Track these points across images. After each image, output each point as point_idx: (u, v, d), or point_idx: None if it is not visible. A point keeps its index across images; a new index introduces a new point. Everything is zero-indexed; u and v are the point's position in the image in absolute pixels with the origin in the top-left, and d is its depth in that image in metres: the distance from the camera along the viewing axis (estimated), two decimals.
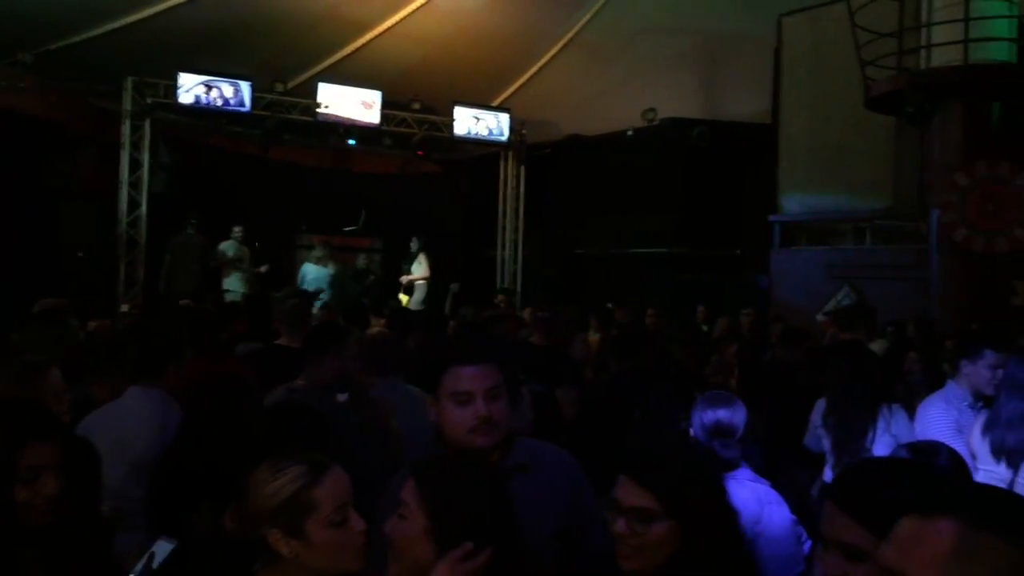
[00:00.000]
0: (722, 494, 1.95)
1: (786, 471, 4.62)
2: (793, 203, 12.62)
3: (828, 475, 4.23)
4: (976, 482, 1.43)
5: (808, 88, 12.53)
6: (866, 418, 4.25)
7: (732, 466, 2.96)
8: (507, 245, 16.65)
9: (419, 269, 13.89)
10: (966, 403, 4.06)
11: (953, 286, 9.64)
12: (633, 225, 14.34)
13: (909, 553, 1.15)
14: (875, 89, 10.27)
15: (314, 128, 14.68)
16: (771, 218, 12.67)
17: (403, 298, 13.73)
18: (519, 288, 16.25)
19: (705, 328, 9.25)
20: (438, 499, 1.86)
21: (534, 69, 15.69)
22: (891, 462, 2.20)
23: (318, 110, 14.03)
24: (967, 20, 9.39)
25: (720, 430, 3.02)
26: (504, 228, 16.68)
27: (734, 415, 3.04)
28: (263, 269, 12.72)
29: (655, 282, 13.43)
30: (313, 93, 14.12)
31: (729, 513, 1.93)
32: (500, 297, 11.85)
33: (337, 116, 14.29)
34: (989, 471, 3.66)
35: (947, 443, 3.87)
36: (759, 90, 13.51)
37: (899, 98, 9.84)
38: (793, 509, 3.07)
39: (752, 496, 2.66)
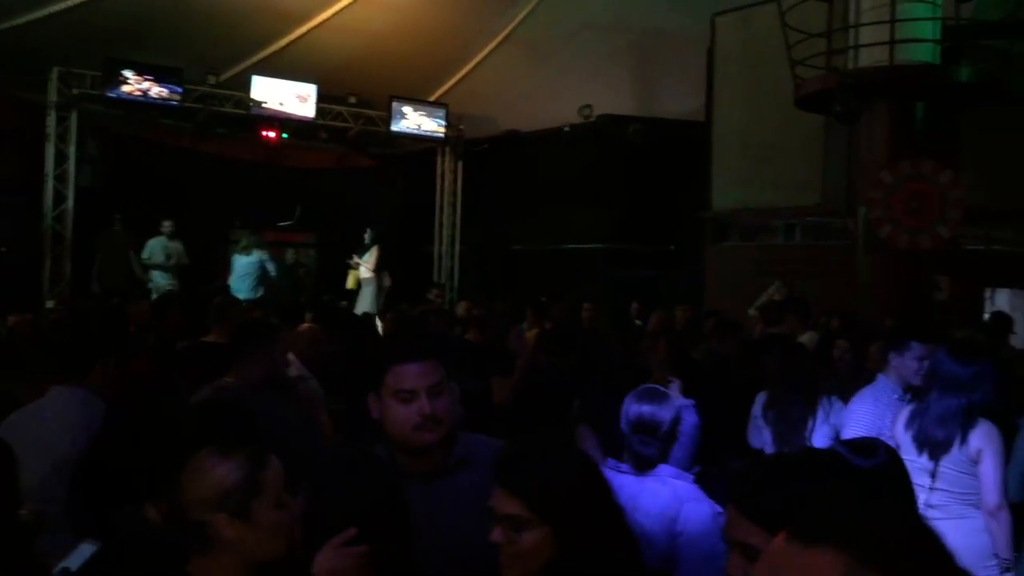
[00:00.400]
0: (599, 496, 1.89)
1: (722, 465, 4.69)
2: (726, 199, 12.81)
3: None
4: (869, 501, 1.36)
5: (740, 86, 12.72)
6: (805, 410, 4.36)
7: (651, 463, 2.95)
8: (444, 240, 16.62)
9: (370, 260, 13.79)
10: (895, 395, 4.16)
11: (879, 282, 9.89)
12: (570, 221, 14.43)
13: None
14: (804, 88, 10.47)
15: (247, 121, 14.45)
16: (704, 214, 12.85)
17: (352, 277, 13.66)
18: (456, 283, 16.24)
19: (639, 323, 9.36)
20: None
21: (471, 64, 15.66)
22: (791, 460, 2.21)
23: (252, 103, 13.82)
24: (893, 22, 9.62)
25: (642, 426, 3.00)
26: (441, 223, 16.64)
27: (658, 411, 3.01)
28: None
29: (591, 277, 13.53)
30: (246, 86, 13.90)
31: (609, 514, 1.89)
32: (434, 292, 11.81)
33: (271, 109, 14.09)
34: (911, 460, 3.76)
35: (853, 427, 4.03)
36: (693, 88, 13.67)
37: (828, 97, 10.04)
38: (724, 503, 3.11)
39: (671, 495, 2.68)
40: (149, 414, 2.83)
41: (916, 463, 3.75)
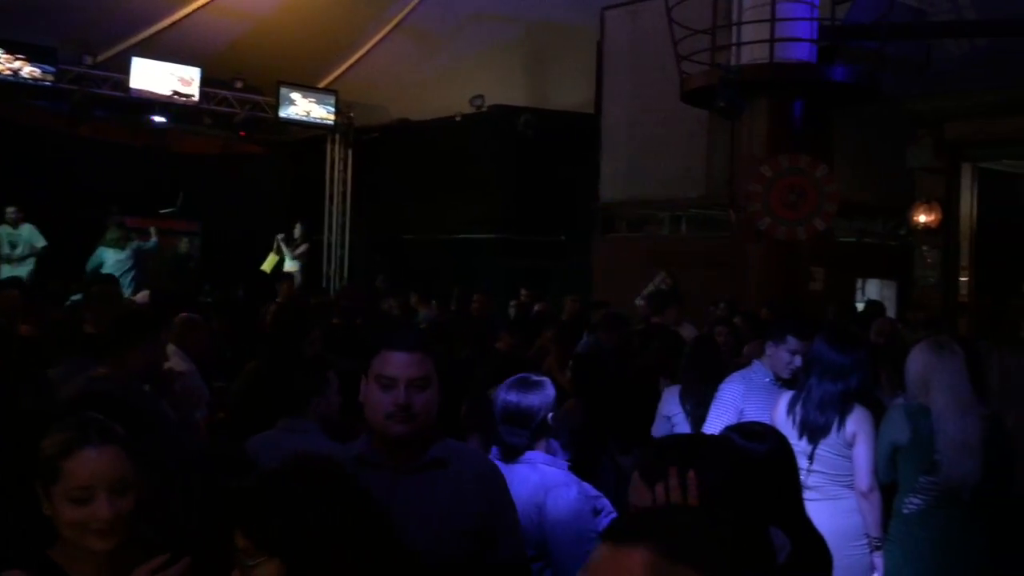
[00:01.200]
0: (346, 529, 1.77)
1: (609, 454, 4.78)
2: (614, 191, 13.02)
3: None
4: (677, 505, 1.45)
5: (628, 80, 12.94)
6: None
7: (518, 451, 2.96)
8: (334, 230, 16.40)
9: (299, 252, 13.54)
10: (767, 379, 4.31)
11: (758, 272, 10.23)
12: (461, 211, 14.43)
13: None
14: (689, 83, 10.72)
15: (127, 105, 13.91)
16: (593, 205, 13.04)
17: (271, 261, 13.37)
18: (346, 273, 16.06)
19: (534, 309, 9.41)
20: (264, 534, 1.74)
21: (362, 51, 15.46)
22: (688, 440, 2.28)
23: (131, 86, 13.32)
24: (773, 21, 9.94)
25: (510, 415, 2.97)
26: (331, 212, 16.41)
27: (524, 399, 2.98)
28: None
29: (482, 268, 13.58)
30: (126, 67, 13.39)
31: (361, 545, 1.78)
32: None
33: (152, 92, 13.61)
34: (792, 445, 3.92)
35: (724, 419, 4.16)
36: (584, 80, 13.84)
37: (712, 93, 10.31)
38: (611, 493, 3.15)
39: (540, 481, 2.70)
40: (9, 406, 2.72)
41: (796, 447, 3.89)
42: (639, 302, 8.41)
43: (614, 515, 2.97)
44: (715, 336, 6.35)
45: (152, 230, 12.47)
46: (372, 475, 2.31)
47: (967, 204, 10.80)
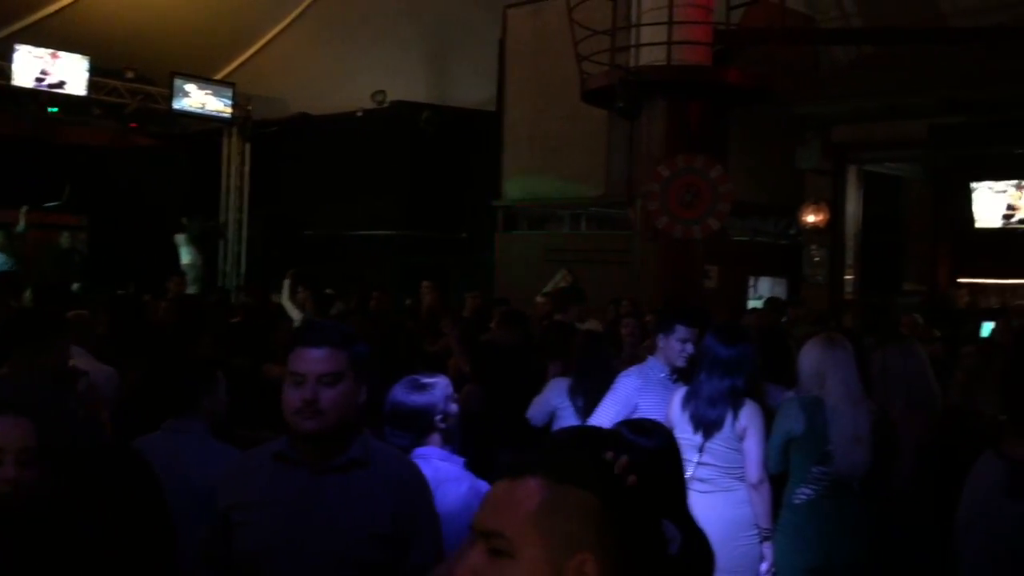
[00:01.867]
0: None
1: (506, 448, 4.78)
2: (515, 189, 13.08)
3: None
4: (561, 441, 1.62)
5: (530, 78, 13.01)
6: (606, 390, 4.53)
7: (409, 445, 2.96)
8: (231, 225, 16.01)
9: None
10: (662, 374, 4.39)
11: (655, 270, 10.42)
12: (362, 207, 14.28)
13: (504, 513, 1.22)
14: (589, 83, 10.85)
15: (9, 93, 13.30)
16: (495, 203, 13.07)
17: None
18: (243, 270, 15.71)
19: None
20: None
21: (261, 43, 15.16)
22: (579, 431, 2.31)
23: (14, 74, 12.74)
24: (670, 24, 10.13)
25: (394, 415, 2.99)
26: (228, 208, 16.02)
27: (409, 399, 2.98)
28: None
29: (383, 264, 13.47)
30: (8, 54, 12.80)
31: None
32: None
33: (36, 81, 13.05)
34: (685, 438, 4.00)
35: (615, 408, 4.24)
36: (486, 78, 13.86)
37: (611, 93, 10.45)
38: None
39: (432, 476, 2.69)
40: None
41: (689, 440, 3.98)
42: (540, 299, 8.46)
43: None
44: (620, 330, 6.46)
45: (21, 213, 12.01)
46: (288, 473, 2.31)
47: (853, 205, 11.23)
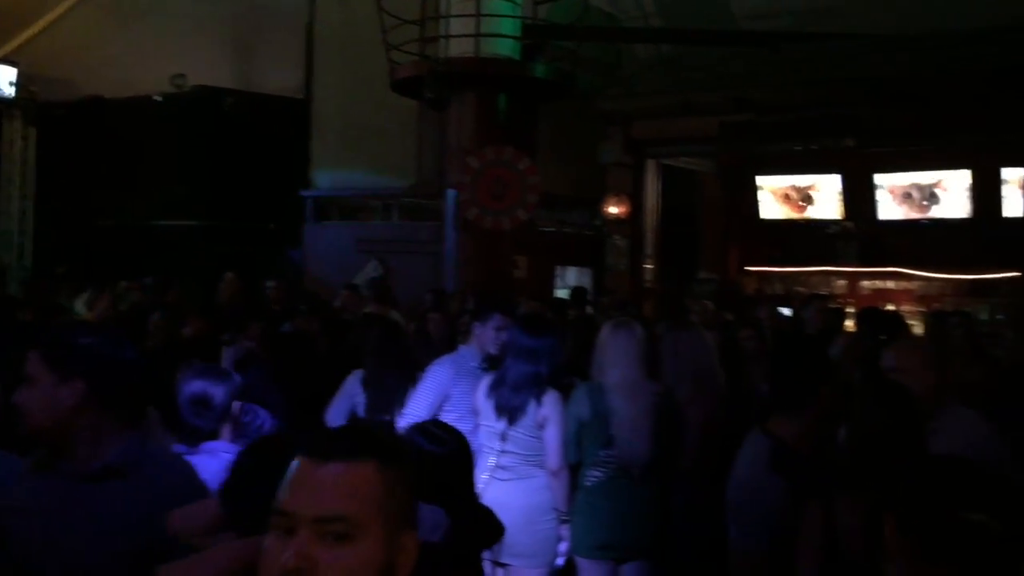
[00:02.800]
0: None
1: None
2: (325, 179, 12.87)
3: None
4: (382, 427, 1.65)
5: (339, 67, 12.82)
6: (405, 383, 4.52)
7: (202, 436, 2.94)
8: (14, 216, 14.87)
9: None
10: (474, 363, 4.45)
11: (466, 261, 10.54)
12: (161, 196, 13.62)
13: (344, 497, 1.23)
14: (399, 73, 10.81)
15: None
16: (303, 193, 12.81)
17: None
18: (29, 264, 14.65)
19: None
20: None
21: (48, 19, 14.15)
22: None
23: None
24: (478, 16, 10.24)
25: (195, 401, 3.00)
26: (10, 196, 14.86)
27: (209, 387, 3.01)
28: None
29: (185, 256, 12.90)
30: None
31: None
32: None
33: None
34: (489, 425, 4.08)
35: (429, 398, 4.29)
36: (293, 64, 13.53)
37: (420, 83, 10.46)
38: None
39: (220, 469, 2.66)
40: None
41: (493, 428, 4.06)
42: (346, 291, 8.36)
43: None
44: (426, 325, 6.47)
45: None
46: (45, 482, 2.18)
47: (652, 197, 11.75)
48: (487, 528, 2.66)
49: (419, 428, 2.78)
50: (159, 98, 14.00)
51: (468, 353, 4.52)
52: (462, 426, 3.89)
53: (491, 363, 4.43)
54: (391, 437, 1.38)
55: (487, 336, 4.45)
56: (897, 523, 1.68)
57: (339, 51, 12.83)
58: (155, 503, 2.14)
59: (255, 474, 1.94)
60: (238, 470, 2.05)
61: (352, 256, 11.90)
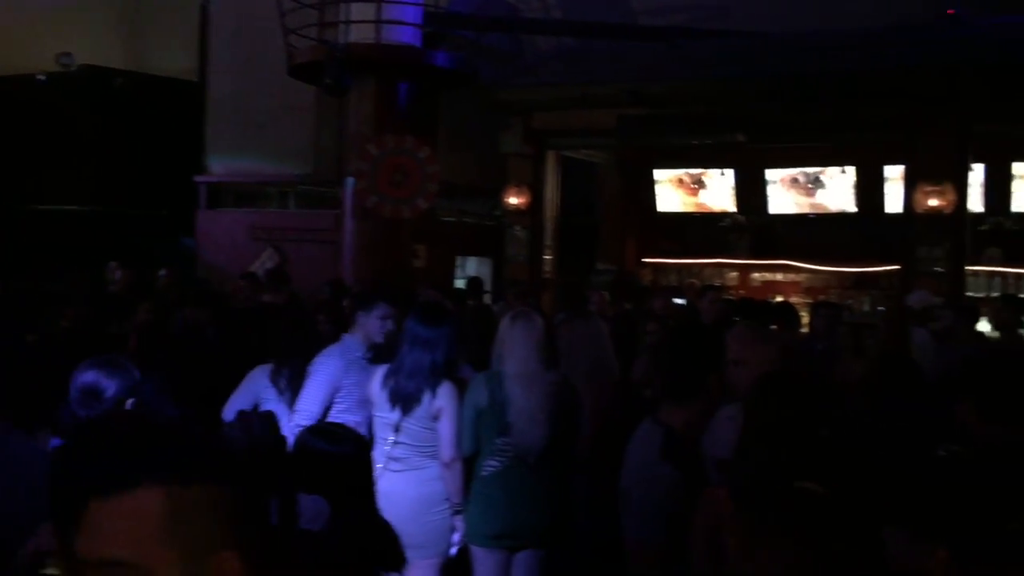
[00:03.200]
0: None
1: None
2: (220, 164, 12.55)
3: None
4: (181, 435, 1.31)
5: (235, 50, 12.49)
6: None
7: None
8: None
9: None
10: (359, 353, 4.39)
11: (365, 249, 10.43)
12: (46, 180, 13.07)
13: (119, 538, 1.04)
14: (297, 58, 10.60)
15: None
16: (197, 178, 12.47)
17: None
18: None
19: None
20: None
21: None
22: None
23: None
24: (380, 2, 10.12)
25: (86, 392, 2.93)
26: None
27: (102, 379, 2.95)
28: None
29: (72, 243, 12.39)
30: None
31: None
32: None
33: None
34: (383, 416, 4.04)
35: (322, 393, 4.21)
36: (186, 46, 13.14)
37: (319, 69, 10.27)
38: None
39: None
40: None
41: (386, 419, 4.03)
42: (241, 280, 8.18)
43: None
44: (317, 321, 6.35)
45: None
46: None
47: (551, 189, 11.82)
48: (380, 539, 2.65)
49: (318, 430, 2.77)
50: (43, 77, 13.42)
51: (353, 343, 4.44)
52: (350, 418, 3.87)
53: (377, 353, 4.39)
54: (192, 446, 1.10)
55: (372, 325, 4.39)
56: (734, 501, 1.74)
57: (235, 33, 12.50)
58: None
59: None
60: None
61: (247, 244, 11.67)
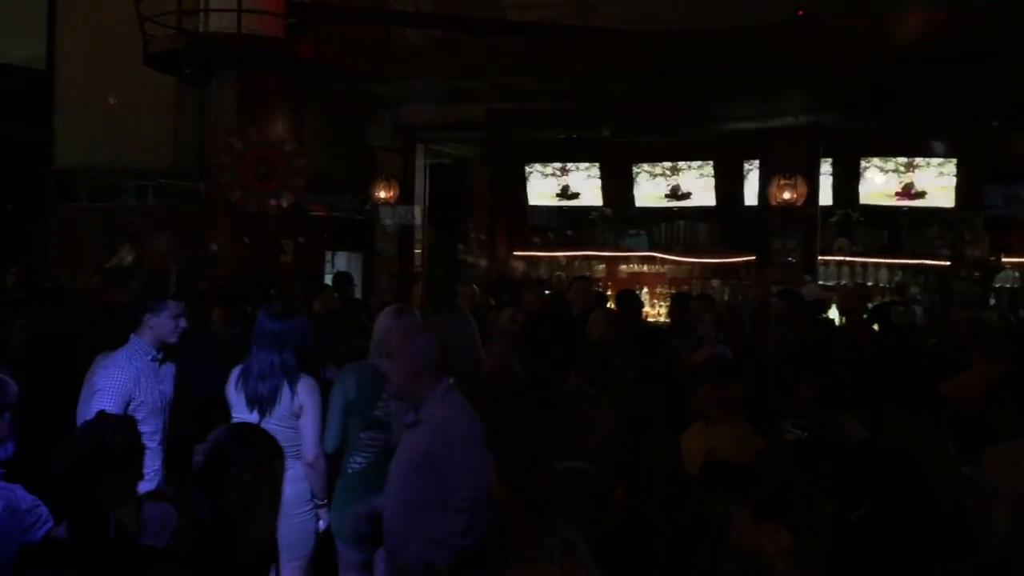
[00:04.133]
0: None
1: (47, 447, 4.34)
2: (72, 157, 11.97)
3: None
4: None
5: (87, 36, 11.94)
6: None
7: None
8: None
9: None
10: (148, 357, 4.17)
11: (229, 245, 10.13)
12: None
13: None
14: (153, 47, 10.20)
15: None
16: (47, 171, 11.87)
17: None
18: None
19: None
20: None
21: None
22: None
23: None
24: None
25: None
26: None
27: None
28: None
29: None
30: None
31: None
32: None
33: None
34: (240, 419, 3.93)
35: (115, 406, 3.99)
36: (34, 33, 12.46)
37: (177, 58, 9.90)
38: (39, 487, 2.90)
39: None
40: None
41: (247, 420, 3.92)
42: (95, 277, 7.80)
43: (50, 523, 2.77)
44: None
45: None
46: None
47: (420, 183, 11.77)
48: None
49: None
50: None
51: (140, 345, 4.22)
52: (145, 429, 3.59)
53: (167, 353, 4.23)
54: None
55: (164, 326, 4.18)
56: (503, 484, 1.81)
57: (86, 20, 11.93)
58: None
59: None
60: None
61: (103, 239, 11.18)
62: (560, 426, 1.80)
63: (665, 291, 11.48)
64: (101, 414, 2.83)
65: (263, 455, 2.59)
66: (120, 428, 2.70)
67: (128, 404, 3.98)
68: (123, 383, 4.01)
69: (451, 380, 3.46)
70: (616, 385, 4.11)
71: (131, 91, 11.58)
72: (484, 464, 3.02)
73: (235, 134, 9.94)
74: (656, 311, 11.50)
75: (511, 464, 1.78)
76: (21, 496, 2.80)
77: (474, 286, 8.61)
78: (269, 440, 2.69)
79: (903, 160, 11.15)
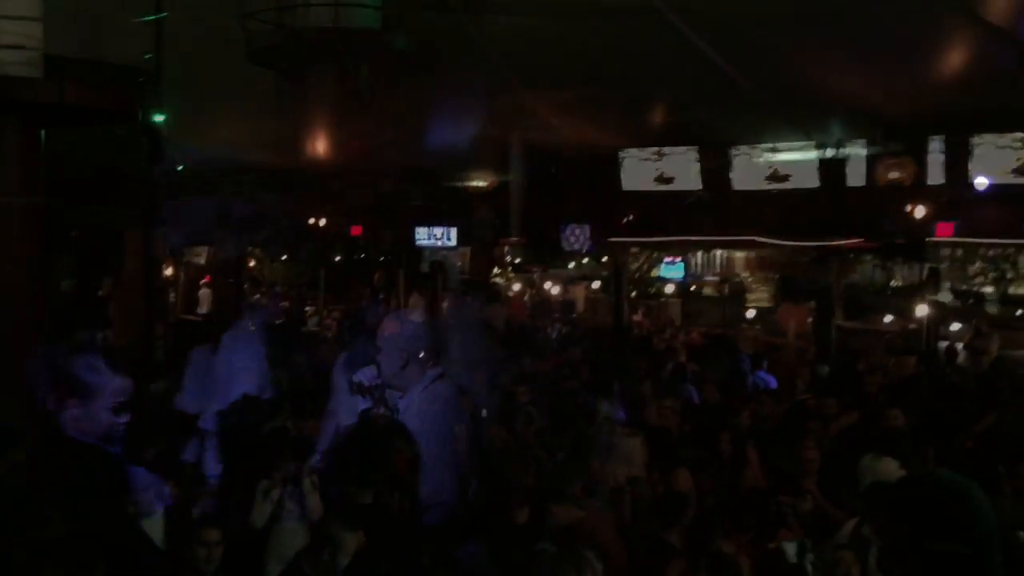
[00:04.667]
0: None
1: None
2: (177, 154, 12.15)
3: None
4: None
5: (190, 35, 12.06)
6: None
7: None
8: None
9: None
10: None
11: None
12: None
13: None
14: (254, 43, 10.22)
15: None
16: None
17: None
18: None
19: None
20: None
21: None
22: None
23: None
24: None
25: None
26: None
27: None
28: None
29: None
30: None
31: None
32: None
33: None
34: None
35: None
36: (140, 30, 12.68)
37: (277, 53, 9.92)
38: None
39: None
40: None
41: None
42: None
43: None
44: None
45: None
46: None
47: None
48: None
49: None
50: None
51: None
52: None
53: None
54: None
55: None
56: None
57: (188, 18, 12.08)
58: None
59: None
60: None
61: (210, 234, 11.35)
62: None
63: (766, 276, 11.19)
64: None
65: None
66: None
67: None
68: None
69: (439, 371, 3.37)
70: None
71: (232, 88, 11.70)
72: (443, 464, 2.95)
73: None
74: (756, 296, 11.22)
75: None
76: None
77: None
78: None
79: None
